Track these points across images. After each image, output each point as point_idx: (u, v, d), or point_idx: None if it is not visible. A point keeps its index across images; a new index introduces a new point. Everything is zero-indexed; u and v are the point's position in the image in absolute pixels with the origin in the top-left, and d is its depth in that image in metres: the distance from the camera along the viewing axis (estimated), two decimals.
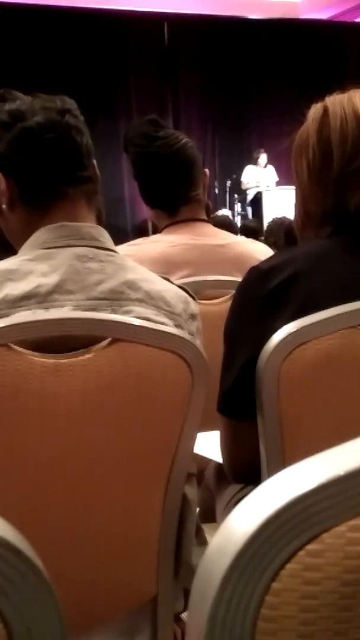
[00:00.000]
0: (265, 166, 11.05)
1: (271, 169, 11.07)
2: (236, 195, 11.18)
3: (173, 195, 2.10)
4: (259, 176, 10.98)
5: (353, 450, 0.41)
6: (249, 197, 11.02)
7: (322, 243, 1.27)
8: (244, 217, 10.76)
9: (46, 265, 1.16)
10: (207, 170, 2.23)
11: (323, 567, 0.39)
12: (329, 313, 1.11)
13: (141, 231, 5.17)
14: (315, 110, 1.28)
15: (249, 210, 10.96)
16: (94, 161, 1.32)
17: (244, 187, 11.11)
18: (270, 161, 11.07)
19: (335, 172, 1.23)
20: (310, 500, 0.39)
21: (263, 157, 11.03)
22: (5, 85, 1.33)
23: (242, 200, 11.10)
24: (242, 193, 11.16)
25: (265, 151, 11.02)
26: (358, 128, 1.21)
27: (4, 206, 1.28)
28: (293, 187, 1.37)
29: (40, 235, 1.22)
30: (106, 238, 1.26)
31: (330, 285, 1.17)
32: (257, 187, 10.87)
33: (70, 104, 1.29)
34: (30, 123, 1.23)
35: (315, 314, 1.12)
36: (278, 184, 10.71)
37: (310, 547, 0.39)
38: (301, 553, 0.39)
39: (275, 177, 11.03)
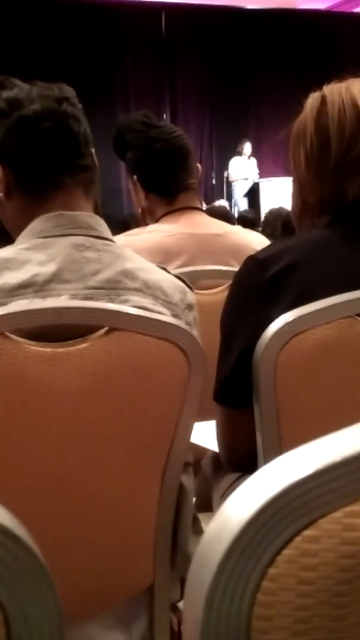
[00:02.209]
0: (249, 157, 10.96)
1: (253, 161, 10.98)
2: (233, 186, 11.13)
3: (171, 179, 2.11)
4: (247, 168, 10.88)
5: (349, 437, 0.41)
6: (236, 189, 10.92)
7: (319, 232, 1.26)
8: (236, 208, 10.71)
9: (43, 254, 1.16)
10: (199, 165, 2.25)
11: (319, 552, 0.39)
12: (326, 303, 1.11)
13: (125, 225, 5.13)
14: (313, 99, 1.28)
15: (244, 201, 10.87)
16: (92, 150, 1.31)
17: (231, 179, 11.01)
18: (265, 151, 11.00)
19: (333, 161, 1.22)
20: (306, 486, 0.39)
21: (247, 147, 10.93)
22: (3, 73, 1.33)
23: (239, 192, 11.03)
24: (230, 185, 11.07)
25: (249, 141, 10.94)
26: (356, 117, 1.21)
27: (0, 194, 1.28)
28: (290, 178, 1.37)
29: (37, 224, 1.22)
30: (103, 227, 1.26)
31: (328, 275, 1.17)
32: (246, 179, 10.79)
33: (69, 92, 1.28)
34: (27, 111, 1.23)
35: (312, 303, 1.12)
36: (275, 175, 10.62)
37: (306, 533, 0.39)
38: (297, 539, 0.39)
39: (256, 169, 10.95)
